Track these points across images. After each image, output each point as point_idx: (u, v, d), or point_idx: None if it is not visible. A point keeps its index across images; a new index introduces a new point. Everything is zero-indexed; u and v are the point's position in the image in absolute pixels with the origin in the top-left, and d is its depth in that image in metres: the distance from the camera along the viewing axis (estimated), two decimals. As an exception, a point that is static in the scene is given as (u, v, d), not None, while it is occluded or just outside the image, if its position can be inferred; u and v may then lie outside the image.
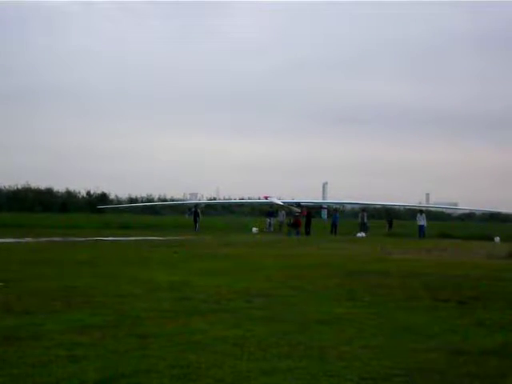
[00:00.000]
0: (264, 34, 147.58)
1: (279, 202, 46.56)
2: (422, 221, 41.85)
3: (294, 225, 43.14)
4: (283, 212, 46.80)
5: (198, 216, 45.15)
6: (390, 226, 49.25)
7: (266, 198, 47.12)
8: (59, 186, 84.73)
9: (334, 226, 45.14)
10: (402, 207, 74.34)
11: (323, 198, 55.28)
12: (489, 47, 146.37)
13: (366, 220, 45.71)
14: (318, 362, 6.37)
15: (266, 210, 50.90)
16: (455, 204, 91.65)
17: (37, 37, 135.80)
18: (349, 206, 77.21)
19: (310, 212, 46.62)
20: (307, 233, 42.95)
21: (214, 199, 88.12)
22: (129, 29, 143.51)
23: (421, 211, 43.79)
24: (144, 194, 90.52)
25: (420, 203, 79.73)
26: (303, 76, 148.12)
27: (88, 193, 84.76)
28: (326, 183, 56.61)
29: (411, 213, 76.19)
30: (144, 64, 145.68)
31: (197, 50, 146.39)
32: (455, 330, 8.32)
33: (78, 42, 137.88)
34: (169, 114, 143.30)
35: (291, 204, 46.92)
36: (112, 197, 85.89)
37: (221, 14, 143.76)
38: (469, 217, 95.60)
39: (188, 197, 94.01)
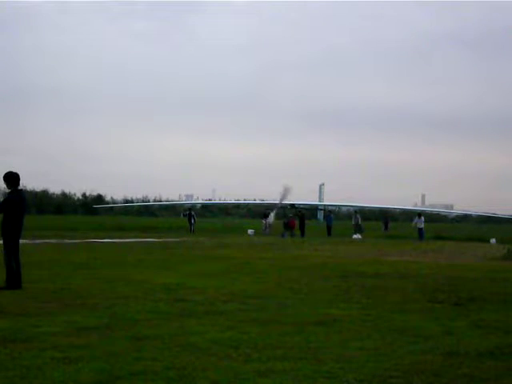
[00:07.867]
0: (255, 36, 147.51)
1: (272, 215, 46.32)
2: (421, 224, 41.99)
3: (288, 226, 43.05)
4: (272, 214, 46.68)
5: (193, 218, 45.16)
6: (386, 226, 49.38)
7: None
8: (55, 188, 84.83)
9: (328, 227, 45.18)
10: (398, 209, 74.49)
11: (319, 199, 55.35)
12: (481, 48, 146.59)
13: (360, 222, 45.82)
14: (314, 364, 6.35)
15: (262, 212, 50.88)
16: (451, 206, 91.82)
17: (23, 37, 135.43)
18: (344, 208, 77.33)
19: (303, 213, 46.58)
20: (302, 234, 42.91)
21: (210, 200, 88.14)
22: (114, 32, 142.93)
23: (419, 214, 43.92)
24: (140, 196, 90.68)
25: (416, 205, 79.81)
26: (299, 78, 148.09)
27: (84, 195, 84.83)
28: (323, 184, 56.72)
29: (406, 214, 76.26)
30: (144, 67, 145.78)
31: (195, 53, 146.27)
32: (451, 331, 8.31)
33: (72, 44, 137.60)
34: (166, 115, 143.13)
35: (285, 206, 46.86)
36: (107, 198, 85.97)
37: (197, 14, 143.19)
38: (464, 219, 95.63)
39: (184, 198, 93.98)
